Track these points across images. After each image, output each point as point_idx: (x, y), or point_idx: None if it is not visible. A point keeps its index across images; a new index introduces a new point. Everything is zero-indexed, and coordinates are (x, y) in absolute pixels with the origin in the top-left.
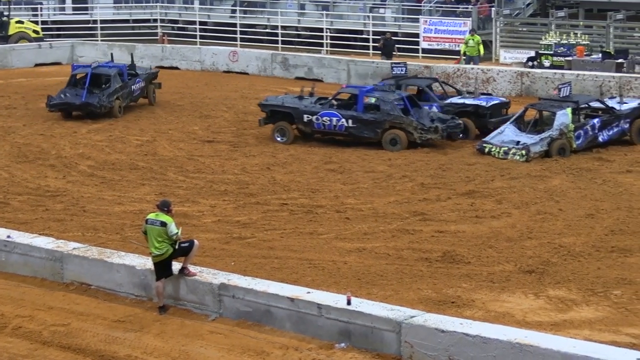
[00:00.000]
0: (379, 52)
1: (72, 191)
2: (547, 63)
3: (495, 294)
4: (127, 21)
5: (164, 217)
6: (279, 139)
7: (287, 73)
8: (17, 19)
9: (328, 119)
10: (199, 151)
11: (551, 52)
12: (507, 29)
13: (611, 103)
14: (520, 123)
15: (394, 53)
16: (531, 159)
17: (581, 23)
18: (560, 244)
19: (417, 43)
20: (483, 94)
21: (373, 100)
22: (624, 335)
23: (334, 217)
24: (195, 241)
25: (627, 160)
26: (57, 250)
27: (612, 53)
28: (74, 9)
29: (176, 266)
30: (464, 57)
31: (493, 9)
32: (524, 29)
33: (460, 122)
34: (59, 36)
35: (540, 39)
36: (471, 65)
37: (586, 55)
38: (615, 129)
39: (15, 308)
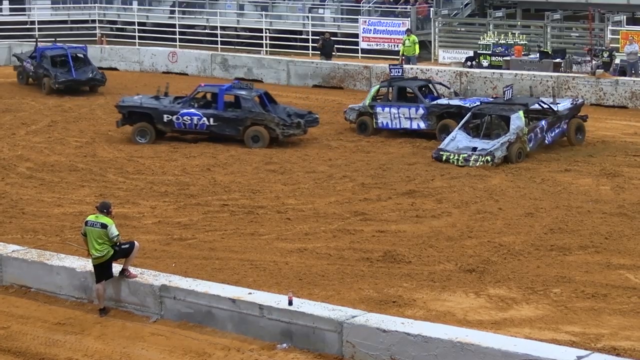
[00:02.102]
0: (318, 52)
1: (10, 193)
2: (485, 63)
3: (436, 293)
4: (65, 22)
5: (104, 219)
6: (139, 140)
7: (227, 74)
8: None
9: (189, 118)
10: (139, 152)
11: (489, 52)
12: (446, 29)
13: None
14: (468, 128)
15: (333, 53)
16: (496, 164)
17: (519, 23)
18: (500, 243)
19: (356, 43)
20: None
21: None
22: (564, 333)
23: (275, 218)
24: (136, 243)
25: (566, 159)
26: None
27: (550, 53)
28: (11, 9)
29: (117, 268)
30: (403, 57)
31: (431, 9)
32: (463, 29)
33: (317, 116)
34: None
35: (479, 39)
36: (410, 65)
37: (524, 55)
38: (557, 130)
39: None
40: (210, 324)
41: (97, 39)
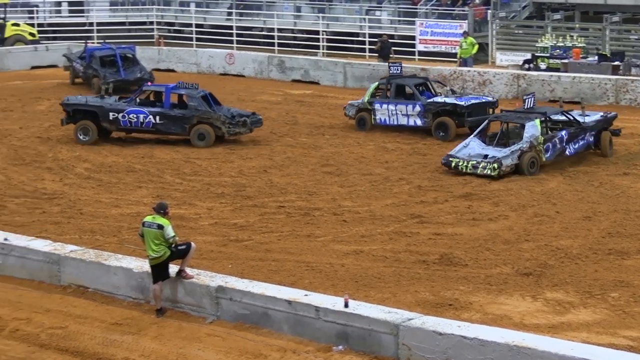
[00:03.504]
0: (376, 54)
1: (69, 194)
2: (543, 65)
3: (492, 296)
4: (123, 24)
5: (160, 220)
6: (82, 137)
7: (284, 76)
8: (13, 21)
9: (135, 116)
10: (196, 154)
11: (547, 55)
12: (503, 32)
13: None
14: (484, 136)
15: (390, 55)
16: (503, 172)
17: (577, 25)
18: (558, 247)
19: (413, 45)
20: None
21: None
22: (622, 337)
23: (331, 220)
24: (192, 244)
25: (624, 162)
26: (55, 252)
27: (608, 55)
28: (70, 11)
29: (173, 269)
30: (460, 60)
31: (489, 11)
32: (520, 32)
33: (261, 117)
34: (55, 39)
35: (537, 41)
36: (467, 68)
37: (582, 57)
38: (582, 142)
39: (13, 311)
40: (266, 326)
41: (154, 40)
